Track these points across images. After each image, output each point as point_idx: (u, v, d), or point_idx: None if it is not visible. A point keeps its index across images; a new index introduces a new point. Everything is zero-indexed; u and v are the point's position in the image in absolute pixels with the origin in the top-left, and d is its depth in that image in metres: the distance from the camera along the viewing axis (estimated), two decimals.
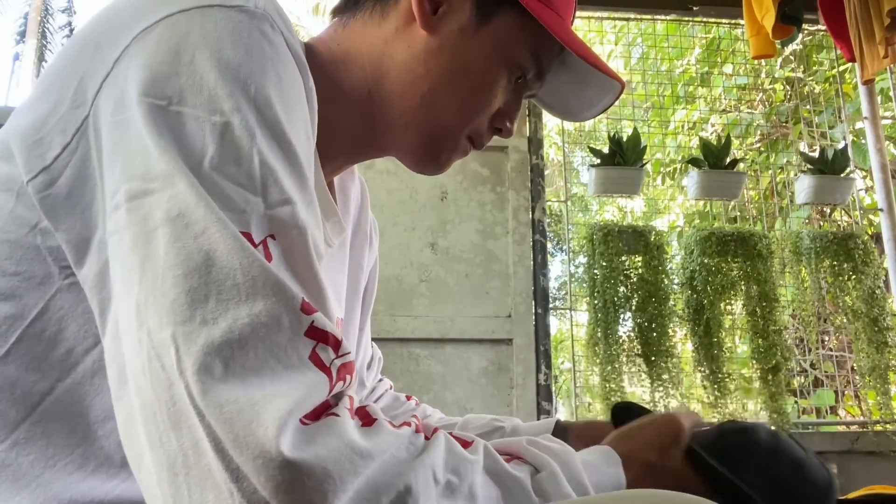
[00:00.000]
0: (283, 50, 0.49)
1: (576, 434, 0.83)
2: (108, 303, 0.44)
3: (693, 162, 2.56)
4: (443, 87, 0.64)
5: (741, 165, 2.70)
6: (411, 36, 0.64)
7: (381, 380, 0.96)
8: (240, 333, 0.38)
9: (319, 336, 0.41)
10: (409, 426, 0.44)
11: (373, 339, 0.94)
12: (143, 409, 0.39)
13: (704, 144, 2.57)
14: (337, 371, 0.41)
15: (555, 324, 2.55)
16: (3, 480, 0.46)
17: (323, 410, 0.39)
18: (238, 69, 0.45)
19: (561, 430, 0.84)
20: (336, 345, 0.41)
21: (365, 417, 0.42)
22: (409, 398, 0.96)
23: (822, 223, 4.40)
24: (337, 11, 0.69)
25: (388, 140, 0.68)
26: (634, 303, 2.37)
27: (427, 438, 0.45)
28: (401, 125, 0.66)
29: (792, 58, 4.38)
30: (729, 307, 2.47)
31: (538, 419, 2.15)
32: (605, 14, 2.81)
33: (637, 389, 2.55)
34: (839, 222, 3.96)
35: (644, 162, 2.46)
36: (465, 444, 0.48)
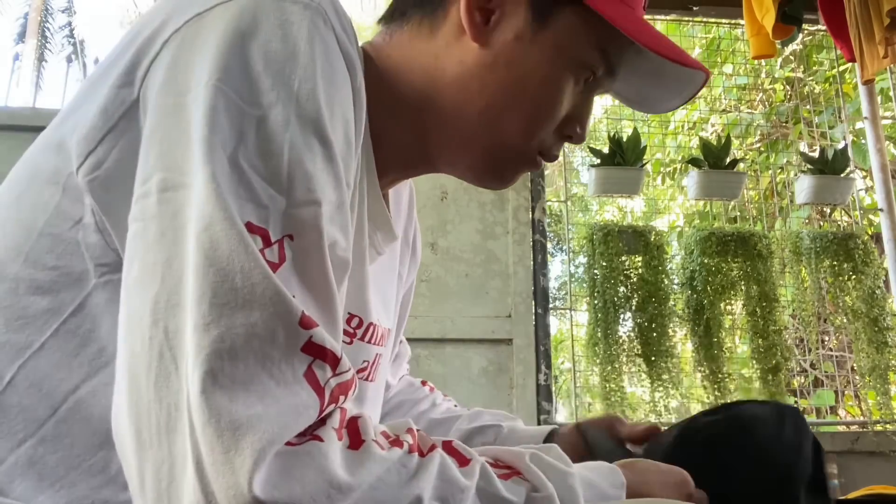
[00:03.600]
0: (332, 47, 0.47)
1: (561, 440, 0.82)
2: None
3: (693, 162, 2.56)
4: (502, 102, 0.60)
5: (741, 165, 2.70)
6: (463, 50, 0.59)
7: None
8: (232, 343, 0.36)
9: (317, 352, 0.39)
10: (402, 447, 0.42)
11: None
12: (136, 407, 0.38)
13: (704, 144, 2.56)
14: (331, 391, 0.39)
15: (555, 324, 2.55)
16: (29, 478, 0.45)
17: (309, 430, 0.38)
18: (284, 63, 0.44)
19: (553, 438, 0.83)
20: (334, 362, 0.40)
21: (354, 436, 0.40)
22: (423, 383, 0.94)
23: (822, 223, 4.40)
24: (384, 20, 0.65)
25: (443, 158, 0.65)
26: (634, 303, 2.37)
27: (423, 455, 0.43)
28: (457, 144, 0.62)
29: (792, 58, 4.38)
30: (729, 307, 2.47)
31: (538, 419, 2.15)
32: None
33: (637, 389, 2.55)
34: (839, 222, 3.96)
35: (644, 162, 2.46)
36: (463, 461, 0.45)
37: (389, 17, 0.65)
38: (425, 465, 0.42)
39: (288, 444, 0.36)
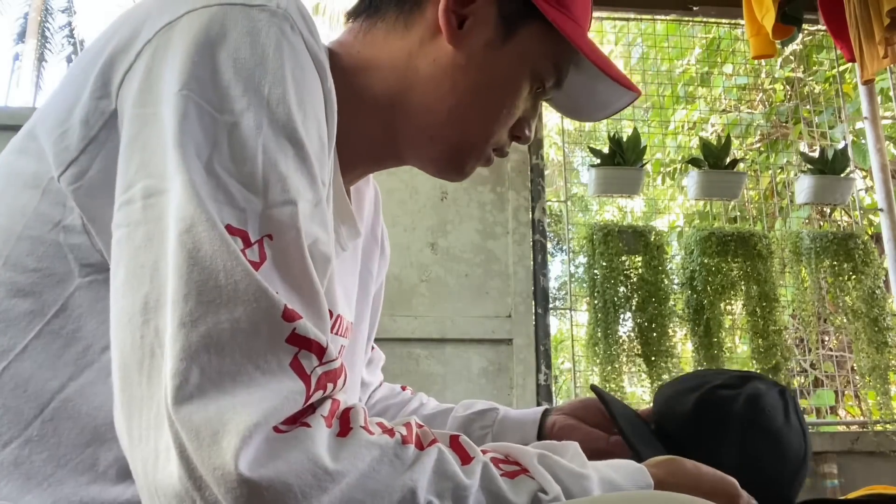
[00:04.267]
0: (301, 51, 0.49)
1: (569, 414, 0.83)
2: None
3: (693, 162, 2.56)
4: (470, 101, 0.64)
5: (741, 165, 2.70)
6: (437, 49, 0.63)
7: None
8: (218, 338, 0.38)
9: (302, 343, 0.40)
10: (394, 436, 0.43)
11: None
12: (130, 405, 0.39)
13: (704, 144, 2.56)
14: (318, 379, 0.40)
15: (555, 324, 2.55)
16: (16, 479, 0.45)
17: (298, 417, 0.39)
18: (254, 69, 0.45)
19: (548, 417, 0.84)
20: (320, 352, 0.41)
21: (344, 424, 0.41)
22: (403, 388, 0.97)
23: (822, 223, 4.40)
24: (353, 15, 0.68)
25: (410, 151, 0.68)
26: (634, 303, 2.37)
27: (422, 448, 0.43)
28: (425, 138, 0.66)
29: (792, 58, 4.38)
30: (729, 307, 2.47)
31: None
32: (605, 14, 2.81)
33: (637, 389, 2.55)
34: (839, 222, 3.95)
35: (644, 162, 2.46)
36: (466, 458, 0.45)
37: (360, 13, 0.67)
38: (421, 459, 0.42)
39: (276, 430, 0.37)
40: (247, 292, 0.39)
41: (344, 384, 0.44)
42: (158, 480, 0.37)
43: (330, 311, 0.62)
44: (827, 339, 3.53)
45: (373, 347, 0.93)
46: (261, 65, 0.45)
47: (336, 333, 0.67)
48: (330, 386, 0.42)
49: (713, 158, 2.48)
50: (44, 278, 0.48)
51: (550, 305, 2.29)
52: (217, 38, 0.45)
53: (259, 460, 0.36)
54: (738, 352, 2.72)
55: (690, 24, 3.21)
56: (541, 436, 0.84)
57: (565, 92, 0.72)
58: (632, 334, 2.37)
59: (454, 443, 0.46)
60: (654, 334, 2.32)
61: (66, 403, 0.47)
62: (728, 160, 2.50)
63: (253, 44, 0.46)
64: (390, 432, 0.43)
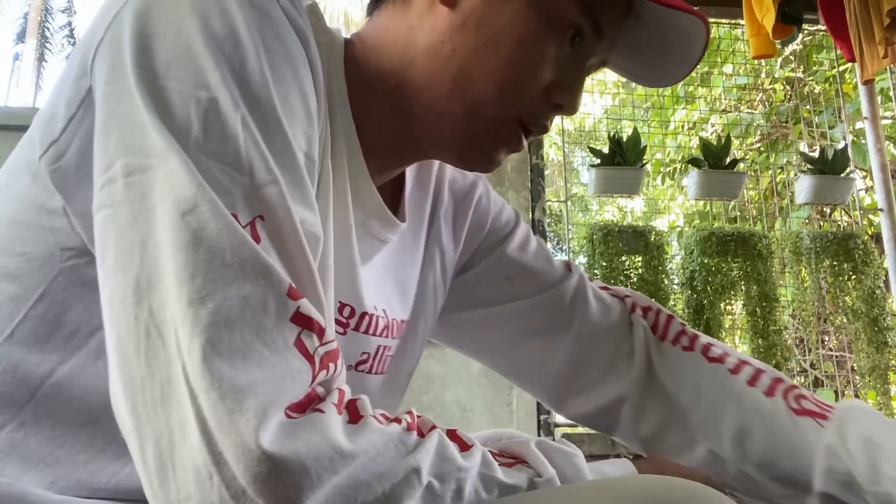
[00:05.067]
0: (279, 21, 0.46)
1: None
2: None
3: (693, 162, 2.56)
4: (474, 64, 0.56)
5: (741, 165, 2.71)
6: (434, 17, 0.57)
7: None
8: (227, 314, 0.37)
9: (304, 322, 0.40)
10: (400, 423, 0.43)
11: None
12: (130, 385, 0.39)
13: (704, 144, 2.57)
14: (321, 359, 0.41)
15: None
16: (14, 460, 0.45)
17: (308, 404, 0.39)
18: (225, 41, 0.43)
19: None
20: (321, 332, 0.41)
21: (353, 413, 0.41)
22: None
23: (822, 223, 4.40)
24: (368, 10, 0.65)
25: (425, 137, 0.62)
26: None
27: (422, 435, 0.44)
28: (434, 116, 0.59)
29: (792, 58, 4.39)
30: (729, 307, 2.47)
31: (538, 419, 2.15)
32: None
33: None
34: (839, 222, 3.95)
35: (644, 162, 2.46)
36: (464, 447, 0.46)
37: (372, 6, 0.64)
38: (423, 443, 0.43)
39: (290, 416, 0.37)
40: (254, 270, 0.39)
41: (343, 367, 0.44)
42: (176, 456, 0.37)
43: (352, 308, 0.61)
44: (827, 339, 3.53)
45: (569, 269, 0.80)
46: (232, 37, 0.43)
47: (368, 333, 0.63)
48: (332, 366, 0.42)
49: (713, 158, 2.48)
50: (28, 262, 0.48)
51: None
52: (187, 9, 0.43)
53: (278, 439, 0.36)
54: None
55: None
56: None
57: (628, 53, 0.62)
58: None
59: (451, 434, 0.47)
60: None
61: (58, 388, 0.46)
62: (728, 160, 2.50)
63: (224, 14, 0.43)
64: (396, 420, 0.44)
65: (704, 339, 0.74)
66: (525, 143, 0.61)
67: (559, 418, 2.49)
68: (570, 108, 0.60)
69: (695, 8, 0.58)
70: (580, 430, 2.22)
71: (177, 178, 0.39)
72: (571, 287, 0.77)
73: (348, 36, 0.63)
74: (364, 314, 0.62)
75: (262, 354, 0.38)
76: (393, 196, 0.67)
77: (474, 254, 0.78)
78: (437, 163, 0.74)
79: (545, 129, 0.61)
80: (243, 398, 0.36)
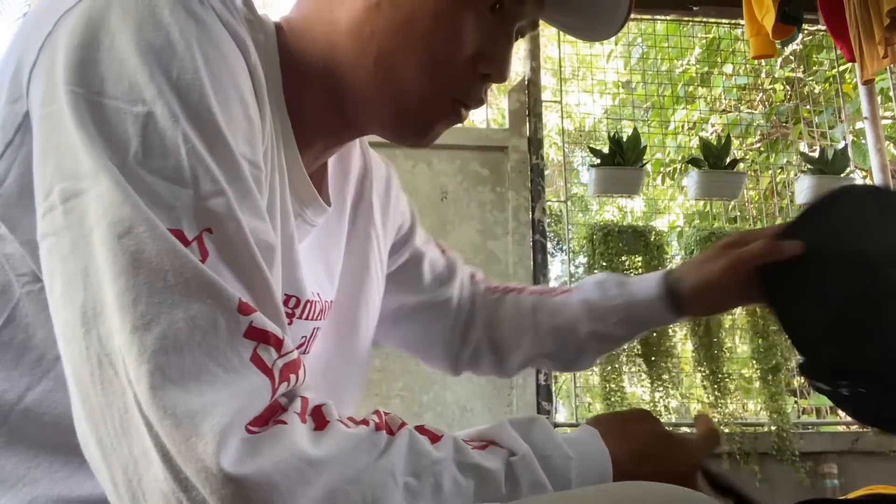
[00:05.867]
0: (215, 28, 0.45)
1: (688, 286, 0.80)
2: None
3: (693, 162, 2.56)
4: (395, 44, 0.55)
5: (741, 165, 2.70)
6: None
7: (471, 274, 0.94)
8: (175, 338, 0.36)
9: (259, 336, 0.39)
10: (368, 425, 0.43)
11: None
12: (92, 416, 0.38)
13: (704, 144, 2.57)
14: (280, 372, 0.40)
15: None
16: None
17: (270, 416, 0.38)
18: (160, 52, 0.41)
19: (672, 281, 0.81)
20: (278, 344, 0.40)
21: (319, 419, 0.41)
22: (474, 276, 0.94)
23: None
24: None
25: (360, 117, 0.61)
26: None
27: (392, 433, 0.43)
28: (365, 98, 0.58)
29: (792, 58, 4.38)
30: None
31: None
32: None
33: (637, 389, 2.55)
34: None
35: (644, 162, 2.46)
36: (434, 438, 0.46)
37: None
38: (394, 441, 0.43)
39: (250, 432, 0.37)
40: (200, 289, 0.38)
41: (305, 376, 0.43)
42: (144, 484, 0.36)
43: (297, 298, 0.60)
44: None
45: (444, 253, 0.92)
46: (167, 48, 0.41)
47: (307, 318, 0.64)
48: (293, 377, 0.41)
49: (713, 158, 2.48)
50: None
51: None
52: (118, 22, 0.41)
53: (241, 459, 0.35)
54: (738, 352, 2.72)
55: (690, 24, 3.21)
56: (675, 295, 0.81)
57: (560, 5, 0.61)
58: None
59: (419, 427, 0.47)
60: (654, 334, 2.32)
61: (28, 413, 0.46)
62: (728, 160, 2.50)
63: (157, 25, 0.42)
64: (364, 422, 0.43)
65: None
66: (465, 114, 0.61)
67: (558, 418, 2.49)
68: (498, 76, 0.58)
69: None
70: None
71: (109, 199, 0.38)
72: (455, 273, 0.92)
73: (277, 20, 0.61)
74: (308, 302, 0.62)
75: (216, 375, 0.37)
76: (317, 180, 0.66)
77: (395, 244, 0.83)
78: (358, 142, 0.75)
79: (481, 102, 0.60)
80: (199, 422, 0.35)
